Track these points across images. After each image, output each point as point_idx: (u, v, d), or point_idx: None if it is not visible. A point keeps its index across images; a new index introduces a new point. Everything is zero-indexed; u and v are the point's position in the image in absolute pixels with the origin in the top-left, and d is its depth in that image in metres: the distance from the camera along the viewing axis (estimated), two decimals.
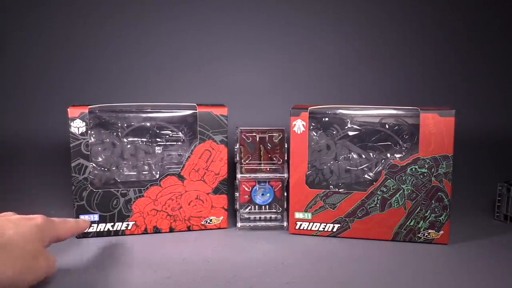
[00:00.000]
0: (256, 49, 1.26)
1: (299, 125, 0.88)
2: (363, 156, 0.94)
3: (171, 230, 0.91)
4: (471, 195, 1.10)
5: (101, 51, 1.25)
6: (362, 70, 1.28)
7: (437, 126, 0.83)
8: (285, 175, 0.93)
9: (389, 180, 0.86)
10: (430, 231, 0.85)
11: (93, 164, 0.92)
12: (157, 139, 0.96)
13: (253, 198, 0.94)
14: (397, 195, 0.86)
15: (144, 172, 0.95)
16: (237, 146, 0.94)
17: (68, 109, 0.86)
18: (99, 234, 0.88)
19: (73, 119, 0.86)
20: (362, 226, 0.87)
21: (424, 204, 0.85)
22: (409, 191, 0.85)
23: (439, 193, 0.84)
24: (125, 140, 0.95)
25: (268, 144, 0.94)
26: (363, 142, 0.94)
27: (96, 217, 0.88)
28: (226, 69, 1.26)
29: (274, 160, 0.94)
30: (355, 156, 0.94)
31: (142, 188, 0.89)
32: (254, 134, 0.94)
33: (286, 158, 0.93)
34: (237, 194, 0.93)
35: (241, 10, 1.26)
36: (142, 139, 0.96)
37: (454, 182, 0.85)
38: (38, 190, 1.13)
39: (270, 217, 0.94)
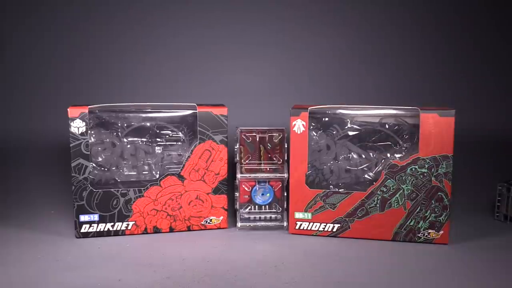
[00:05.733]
0: (256, 49, 1.26)
1: (299, 125, 0.88)
2: (363, 156, 0.94)
3: (171, 230, 0.91)
4: (471, 195, 1.10)
5: (101, 51, 1.25)
6: (362, 70, 1.28)
7: (437, 126, 0.83)
8: (285, 175, 0.93)
9: (389, 180, 0.86)
10: (430, 231, 0.85)
11: (93, 164, 0.92)
12: (157, 139, 0.96)
13: (253, 198, 0.94)
14: (397, 195, 0.86)
15: (144, 172, 0.95)
16: (237, 146, 0.94)
17: (68, 109, 0.86)
18: (99, 234, 0.88)
19: (73, 119, 0.86)
20: (362, 226, 0.87)
21: (424, 204, 0.85)
22: (409, 191, 0.85)
23: (439, 193, 0.84)
24: (125, 140, 0.95)
25: (268, 144, 0.94)
26: (363, 142, 0.94)
27: (96, 217, 0.88)
28: (226, 69, 1.26)
29: (274, 160, 0.94)
30: (355, 156, 0.94)
31: (142, 188, 0.89)
32: (254, 134, 0.94)
33: (286, 158, 0.93)
34: (237, 194, 0.93)
35: (241, 10, 1.26)
36: (142, 139, 0.96)
37: (454, 182, 0.85)
38: (38, 190, 1.13)
39: (270, 217, 0.94)
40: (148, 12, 1.25)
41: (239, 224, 0.93)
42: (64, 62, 1.25)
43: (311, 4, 1.27)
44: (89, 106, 0.87)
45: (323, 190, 0.88)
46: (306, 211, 0.89)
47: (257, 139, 0.94)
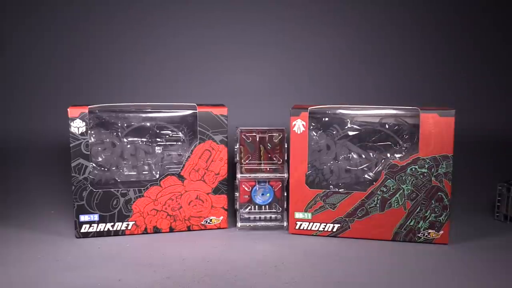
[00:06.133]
0: (256, 49, 1.26)
1: (299, 125, 0.88)
2: (363, 156, 0.94)
3: (171, 230, 0.91)
4: (471, 195, 1.10)
5: (101, 51, 1.25)
6: (362, 70, 1.28)
7: (437, 126, 0.83)
8: (285, 175, 0.93)
9: (389, 180, 0.86)
10: (430, 231, 0.85)
11: (93, 164, 0.92)
12: (157, 139, 0.96)
13: (253, 198, 0.94)
14: (397, 195, 0.86)
15: (144, 172, 0.95)
16: (237, 146, 0.94)
17: (68, 109, 0.86)
18: (99, 234, 0.88)
19: (73, 119, 0.86)
20: (362, 226, 0.87)
21: (424, 204, 0.85)
22: (409, 191, 0.85)
23: (439, 193, 0.84)
24: (125, 140, 0.95)
25: (268, 144, 0.94)
26: (363, 142, 0.94)
27: (96, 217, 0.88)
28: (226, 69, 1.26)
29: (274, 160, 0.94)
30: (355, 156, 0.94)
31: (142, 188, 0.89)
32: (254, 134, 0.94)
33: (286, 158, 0.93)
34: (237, 194, 0.93)
35: (241, 10, 1.26)
36: (142, 139, 0.96)
37: (454, 182, 0.85)
38: (38, 190, 1.13)
39: (270, 217, 0.94)
40: (148, 12, 1.25)
41: (239, 224, 0.93)
42: (64, 62, 1.25)
43: (311, 4, 1.27)
44: (89, 106, 0.87)
45: (323, 190, 0.88)
46: (306, 211, 0.89)
47: (257, 139, 0.94)
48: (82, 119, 0.86)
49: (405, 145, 0.92)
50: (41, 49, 1.25)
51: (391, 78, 1.28)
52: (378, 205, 0.86)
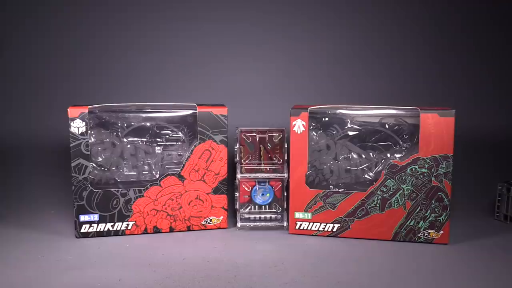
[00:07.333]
0: (256, 49, 1.26)
1: (299, 125, 0.88)
2: (363, 156, 0.94)
3: (171, 230, 0.91)
4: (471, 195, 1.10)
5: (101, 51, 1.25)
6: (362, 70, 1.28)
7: (437, 126, 0.83)
8: (285, 175, 0.93)
9: (389, 180, 0.86)
10: (430, 231, 0.85)
11: (93, 164, 0.92)
12: (157, 139, 0.96)
13: (253, 198, 0.94)
14: (397, 195, 0.86)
15: (144, 172, 0.95)
16: (237, 146, 0.94)
17: (68, 109, 0.86)
18: (99, 234, 0.88)
19: (73, 119, 0.86)
20: (362, 226, 0.87)
21: (424, 204, 0.85)
22: (409, 191, 0.85)
23: (439, 193, 0.84)
24: (125, 140, 0.95)
25: (268, 144, 0.94)
26: (363, 142, 0.94)
27: (96, 217, 0.88)
28: (226, 69, 1.26)
29: (274, 160, 0.94)
30: (355, 156, 0.94)
31: (142, 188, 0.89)
32: (254, 134, 0.94)
33: (286, 158, 0.93)
34: (237, 194, 0.93)
35: (241, 10, 1.26)
36: (142, 139, 0.96)
37: (454, 182, 0.85)
38: (38, 190, 1.13)
39: (270, 217, 0.94)
40: (148, 11, 1.25)
41: (239, 224, 0.93)
42: (64, 62, 1.25)
43: (312, 4, 1.27)
44: (89, 106, 0.87)
45: (323, 190, 0.88)
46: (306, 211, 0.89)
47: (257, 139, 0.94)
48: (82, 119, 0.86)
49: (405, 145, 0.92)
50: (41, 49, 1.25)
51: (391, 78, 1.28)
52: (378, 205, 0.86)
